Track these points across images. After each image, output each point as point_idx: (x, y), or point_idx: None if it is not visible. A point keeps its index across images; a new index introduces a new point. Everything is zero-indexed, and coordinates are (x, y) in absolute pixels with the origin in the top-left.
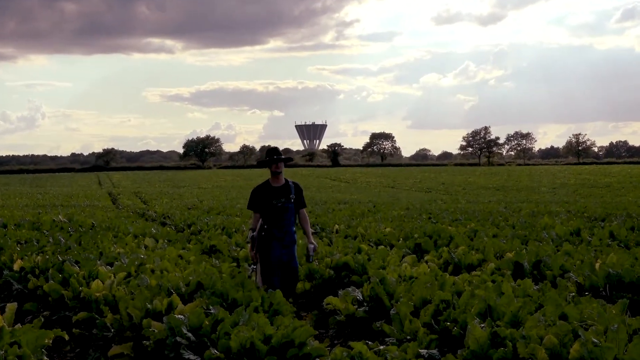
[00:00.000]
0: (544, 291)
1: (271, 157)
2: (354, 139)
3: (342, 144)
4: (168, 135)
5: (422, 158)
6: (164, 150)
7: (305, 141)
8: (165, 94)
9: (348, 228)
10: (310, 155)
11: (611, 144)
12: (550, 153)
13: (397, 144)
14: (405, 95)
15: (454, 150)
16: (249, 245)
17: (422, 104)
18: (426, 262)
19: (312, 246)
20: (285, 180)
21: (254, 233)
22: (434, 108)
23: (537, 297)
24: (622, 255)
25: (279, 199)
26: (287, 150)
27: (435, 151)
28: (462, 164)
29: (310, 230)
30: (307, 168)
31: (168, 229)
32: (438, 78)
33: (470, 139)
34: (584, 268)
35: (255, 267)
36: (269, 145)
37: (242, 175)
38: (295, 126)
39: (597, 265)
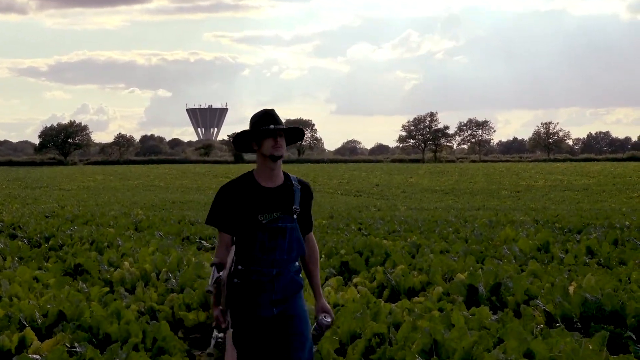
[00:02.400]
0: (505, 322)
1: (266, 125)
2: None
3: None
4: (19, 121)
5: (350, 152)
6: (14, 140)
7: (199, 130)
8: (15, 66)
9: None
10: (206, 148)
11: (589, 135)
12: (513, 147)
13: (319, 134)
14: (328, 71)
15: (391, 142)
16: (212, 295)
17: (350, 83)
18: (355, 285)
19: (325, 319)
20: (285, 175)
21: (221, 274)
22: (366, 88)
23: (496, 329)
24: (603, 276)
25: (271, 212)
26: (175, 142)
27: (367, 144)
28: (401, 160)
29: (319, 279)
30: (202, 165)
31: (19, 243)
32: (371, 50)
33: (412, 128)
34: (554, 293)
35: (221, 335)
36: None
37: (118, 174)
38: (187, 110)
39: (571, 290)
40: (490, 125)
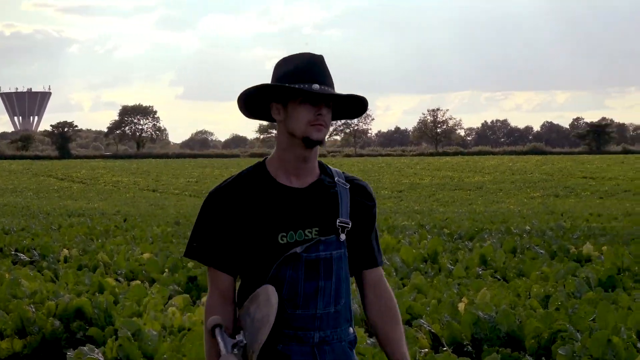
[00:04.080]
0: None
1: (305, 82)
2: (95, 116)
3: (75, 123)
4: None
5: (200, 145)
6: None
7: (16, 119)
8: None
9: (83, 254)
10: (24, 140)
11: (484, 124)
12: (395, 138)
13: (162, 124)
14: (174, 48)
15: (250, 133)
16: None
17: (201, 61)
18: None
19: None
20: (322, 168)
21: (240, 338)
22: (219, 69)
23: (372, 355)
24: (498, 291)
25: (301, 228)
26: None
27: (222, 135)
28: (262, 155)
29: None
30: (20, 161)
31: None
32: (226, 22)
33: None
34: (441, 311)
35: None
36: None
37: None
38: (0, 94)
39: (461, 307)
40: (368, 112)
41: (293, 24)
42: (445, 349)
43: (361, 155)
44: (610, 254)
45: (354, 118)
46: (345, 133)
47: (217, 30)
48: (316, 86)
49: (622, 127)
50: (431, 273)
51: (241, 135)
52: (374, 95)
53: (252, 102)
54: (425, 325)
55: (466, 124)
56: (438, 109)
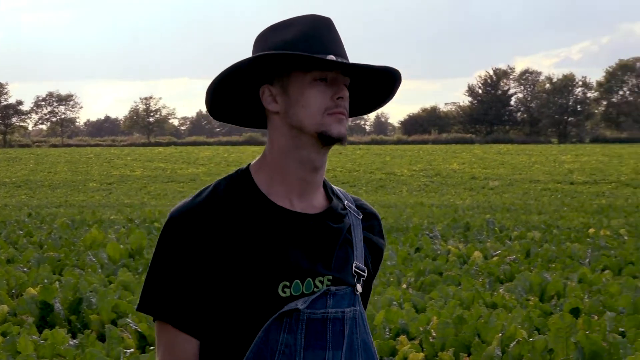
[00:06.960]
0: (84, 346)
1: (317, 50)
2: None
3: None
4: None
5: None
6: None
7: None
8: None
9: None
10: None
11: (200, 114)
12: (105, 128)
13: None
14: None
15: None
16: None
17: None
18: None
19: None
20: (327, 189)
21: None
22: None
23: (74, 356)
24: None
25: (313, 275)
26: None
27: None
28: None
29: None
30: None
31: None
32: None
33: None
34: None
35: None
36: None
37: None
38: None
39: None
40: (76, 100)
41: (9, 7)
42: (152, 348)
43: (69, 146)
44: None
45: (371, 111)
46: (51, 122)
47: None
48: (332, 57)
49: None
50: (138, 269)
51: None
52: (84, 82)
53: (227, 92)
54: (131, 325)
55: (181, 113)
56: (151, 97)
